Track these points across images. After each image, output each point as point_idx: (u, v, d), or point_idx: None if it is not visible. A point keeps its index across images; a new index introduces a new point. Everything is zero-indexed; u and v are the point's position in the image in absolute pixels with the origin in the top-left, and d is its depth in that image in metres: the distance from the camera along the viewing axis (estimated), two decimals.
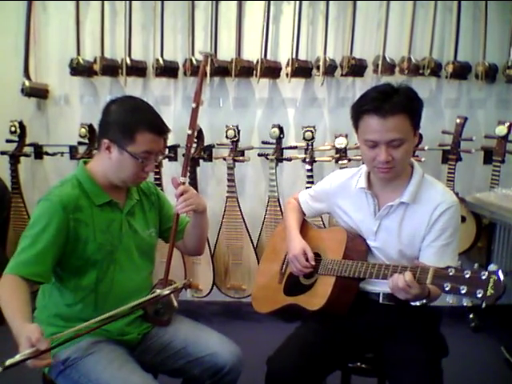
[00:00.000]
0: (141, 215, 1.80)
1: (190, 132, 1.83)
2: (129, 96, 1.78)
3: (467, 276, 1.36)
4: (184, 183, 1.79)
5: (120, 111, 1.63)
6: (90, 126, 3.14)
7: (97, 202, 1.65)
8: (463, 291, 1.35)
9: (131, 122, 1.60)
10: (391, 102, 1.55)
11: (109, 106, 1.66)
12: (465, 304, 1.37)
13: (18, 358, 1.20)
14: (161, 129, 1.66)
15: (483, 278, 1.32)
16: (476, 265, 1.37)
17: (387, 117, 1.55)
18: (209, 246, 3.13)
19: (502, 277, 1.30)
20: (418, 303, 1.54)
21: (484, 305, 1.32)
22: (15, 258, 1.54)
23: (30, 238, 1.54)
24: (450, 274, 1.39)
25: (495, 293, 1.30)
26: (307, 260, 1.83)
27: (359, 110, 1.62)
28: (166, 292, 1.68)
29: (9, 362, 1.19)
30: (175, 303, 1.79)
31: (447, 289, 1.38)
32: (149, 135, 1.61)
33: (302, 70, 3.13)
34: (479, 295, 1.32)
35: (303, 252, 1.84)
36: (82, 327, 1.47)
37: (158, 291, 1.69)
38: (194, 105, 1.81)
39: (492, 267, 1.33)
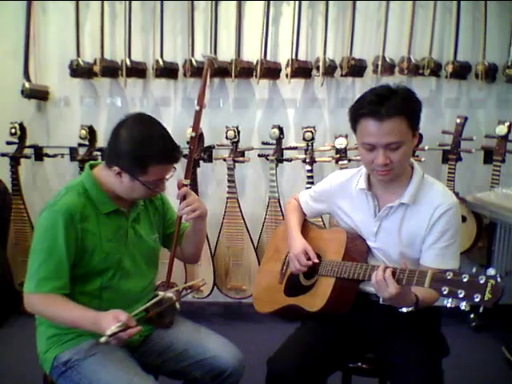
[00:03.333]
0: (146, 220, 1.80)
1: (193, 134, 1.82)
2: (139, 118, 1.64)
3: (465, 280, 1.36)
4: (186, 185, 1.78)
5: (130, 141, 1.56)
6: (90, 128, 3.14)
7: (103, 210, 1.65)
8: (461, 295, 1.35)
9: (142, 155, 1.55)
10: (388, 105, 1.54)
11: (118, 131, 1.58)
12: (463, 308, 1.37)
13: (113, 329, 1.41)
14: (173, 159, 1.62)
15: (481, 282, 1.32)
16: (474, 268, 1.37)
17: (384, 120, 1.54)
18: (209, 246, 3.14)
19: (500, 281, 1.30)
20: (404, 310, 1.54)
21: (482, 309, 1.33)
22: (35, 276, 1.55)
23: (44, 252, 1.55)
24: (448, 277, 1.39)
25: (493, 297, 1.30)
26: (309, 259, 1.83)
27: (356, 113, 1.61)
28: (187, 286, 1.73)
29: (109, 331, 1.40)
30: (177, 305, 1.79)
31: (445, 292, 1.38)
32: (161, 166, 1.59)
33: (302, 70, 3.13)
34: (477, 299, 1.32)
35: (304, 251, 1.84)
36: None
37: (161, 294, 1.69)
38: (197, 108, 1.81)
39: (490, 271, 1.33)
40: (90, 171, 1.68)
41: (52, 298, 1.54)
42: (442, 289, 1.39)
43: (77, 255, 1.59)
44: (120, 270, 1.68)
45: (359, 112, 1.60)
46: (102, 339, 1.40)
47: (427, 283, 1.44)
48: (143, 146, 1.55)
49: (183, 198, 1.76)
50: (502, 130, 2.99)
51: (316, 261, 1.82)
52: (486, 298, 1.30)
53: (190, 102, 3.34)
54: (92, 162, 1.75)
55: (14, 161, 3.22)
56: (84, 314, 1.54)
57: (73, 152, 3.30)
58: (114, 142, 1.60)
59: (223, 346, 1.77)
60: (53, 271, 1.54)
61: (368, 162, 1.64)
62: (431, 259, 1.67)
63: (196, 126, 1.82)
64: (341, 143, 3.04)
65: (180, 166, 3.24)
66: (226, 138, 3.08)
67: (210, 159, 3.23)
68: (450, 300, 1.38)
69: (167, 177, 1.66)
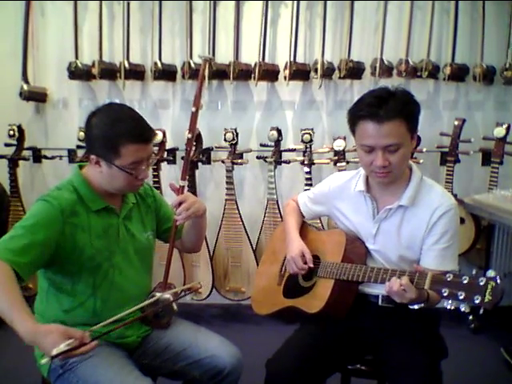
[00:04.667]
0: (138, 218, 1.79)
1: (189, 136, 1.83)
2: (108, 105, 1.69)
3: (465, 282, 1.36)
4: (183, 187, 1.78)
5: (100, 125, 1.58)
6: None
7: (93, 207, 1.65)
8: (461, 297, 1.35)
9: (112, 136, 1.56)
10: (387, 107, 1.55)
11: (90, 120, 1.61)
12: (462, 309, 1.37)
13: (62, 347, 1.25)
14: (144, 137, 1.60)
15: (481, 284, 1.33)
16: (474, 270, 1.37)
17: (383, 122, 1.55)
18: (208, 248, 3.14)
19: (500, 283, 1.31)
20: (416, 307, 1.54)
21: (482, 310, 1.33)
22: (2, 243, 1.50)
23: (22, 229, 1.53)
24: (448, 279, 1.39)
25: (493, 299, 1.30)
26: (305, 262, 1.83)
27: (355, 116, 1.62)
28: (184, 290, 1.71)
29: (55, 351, 1.24)
30: (175, 306, 1.79)
31: (445, 294, 1.39)
32: (133, 146, 1.57)
33: (300, 72, 3.13)
34: (477, 301, 1.32)
35: (301, 254, 1.84)
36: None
37: (158, 294, 1.69)
38: (193, 109, 1.81)
39: (490, 273, 1.33)
40: (79, 170, 1.69)
41: (5, 271, 1.42)
42: (442, 290, 1.39)
43: (65, 250, 1.58)
44: (113, 266, 1.68)
45: (358, 114, 1.60)
46: (44, 361, 1.24)
47: (427, 285, 1.45)
48: (112, 126, 1.57)
49: (179, 204, 1.75)
50: (499, 131, 3.00)
51: (311, 265, 1.82)
52: (486, 300, 1.31)
53: (188, 104, 3.33)
54: (81, 162, 1.75)
55: (13, 163, 3.21)
56: (23, 317, 1.34)
57: (71, 154, 3.29)
58: (87, 131, 1.62)
59: (221, 344, 1.77)
60: (21, 248, 1.48)
61: (367, 164, 1.65)
62: (430, 261, 1.67)
63: (192, 128, 1.82)
64: (339, 145, 3.05)
65: (178, 168, 3.26)
66: (225, 140, 3.09)
67: (208, 161, 3.23)
68: (450, 302, 1.38)
69: (146, 162, 1.63)
